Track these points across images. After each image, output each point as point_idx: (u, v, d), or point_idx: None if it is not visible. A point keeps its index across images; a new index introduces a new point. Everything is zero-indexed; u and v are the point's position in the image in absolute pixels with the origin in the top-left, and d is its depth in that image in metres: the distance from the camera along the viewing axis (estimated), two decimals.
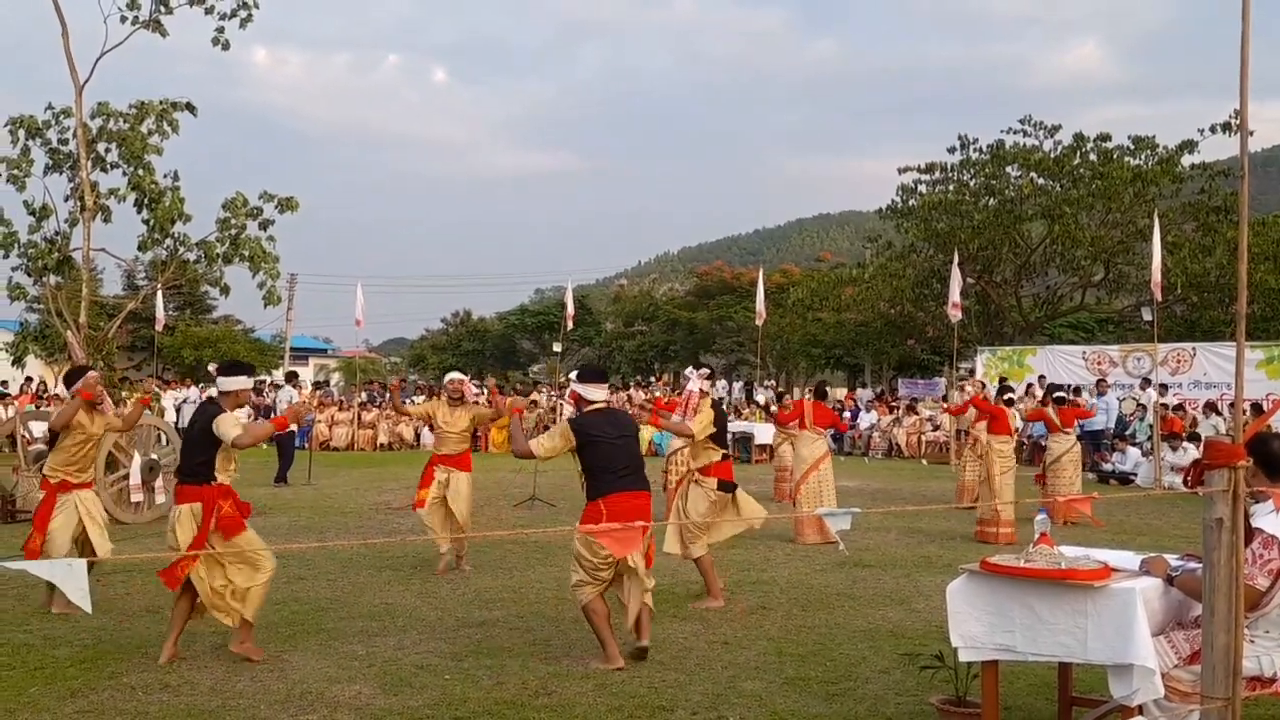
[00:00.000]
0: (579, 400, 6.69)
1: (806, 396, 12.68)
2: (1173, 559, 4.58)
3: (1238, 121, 24.08)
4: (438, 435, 9.95)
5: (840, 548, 8.45)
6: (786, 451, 14.15)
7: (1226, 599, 2.77)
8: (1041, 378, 23.86)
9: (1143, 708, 4.06)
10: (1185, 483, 3.15)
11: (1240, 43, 2.99)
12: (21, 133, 13.47)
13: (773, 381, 39.93)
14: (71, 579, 2.47)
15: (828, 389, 13.55)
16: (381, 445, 26.16)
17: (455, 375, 10.53)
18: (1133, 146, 31.26)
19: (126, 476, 12.58)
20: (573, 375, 7.16)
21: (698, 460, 8.26)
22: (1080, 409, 15.80)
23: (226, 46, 13.79)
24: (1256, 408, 17.07)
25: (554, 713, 5.30)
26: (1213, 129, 29.78)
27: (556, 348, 28.40)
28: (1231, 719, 2.78)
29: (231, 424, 6.34)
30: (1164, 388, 21.12)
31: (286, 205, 13.97)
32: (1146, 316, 25.84)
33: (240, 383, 6.80)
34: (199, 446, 6.45)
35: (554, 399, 27.84)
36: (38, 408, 21.23)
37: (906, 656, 6.20)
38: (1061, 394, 15.16)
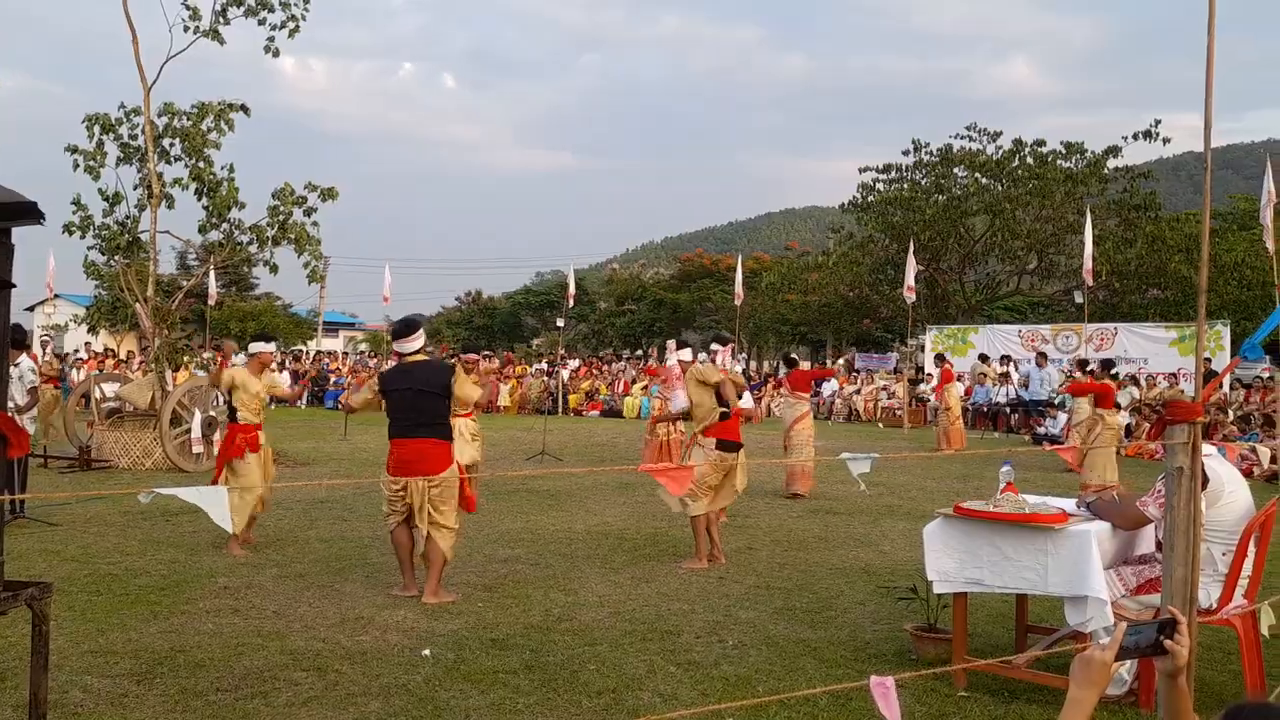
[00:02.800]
0: (397, 356, 6.40)
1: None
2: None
3: (1157, 130, 24.03)
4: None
5: (862, 488, 7.95)
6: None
7: (1184, 537, 2.78)
8: (1004, 358, 23.89)
9: (1094, 634, 4.09)
10: (1147, 435, 3.16)
11: (1206, 58, 2.98)
12: (97, 129, 13.28)
13: (744, 354, 39.87)
14: (215, 503, 2.46)
15: (794, 358, 13.50)
16: None
17: (473, 356, 10.86)
18: (1065, 151, 31.30)
19: (189, 431, 12.52)
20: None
21: (699, 423, 7.37)
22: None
23: (277, 54, 13.64)
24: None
25: (576, 635, 5.31)
26: (1135, 136, 29.87)
27: (559, 323, 28.33)
28: (1190, 642, 2.80)
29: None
30: (1085, 363, 21.20)
31: (328, 195, 13.83)
32: (1078, 300, 25.91)
33: (262, 347, 8.04)
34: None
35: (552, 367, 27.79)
36: (101, 371, 21.12)
37: (881, 589, 6.25)
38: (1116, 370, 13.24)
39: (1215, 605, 4.09)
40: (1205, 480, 3.87)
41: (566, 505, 9.92)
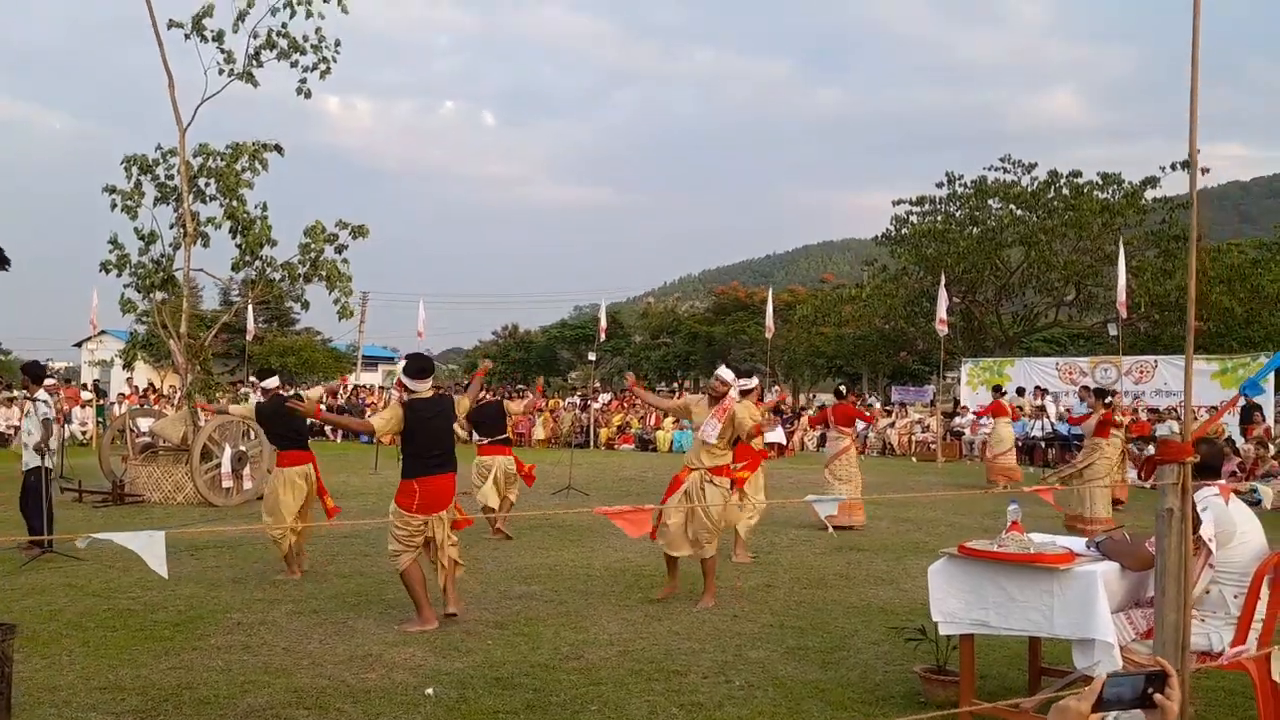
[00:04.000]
0: (402, 389, 6.48)
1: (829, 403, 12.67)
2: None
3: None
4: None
5: (829, 530, 7.92)
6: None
7: (1176, 581, 2.70)
8: (1038, 389, 23.54)
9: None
10: (1139, 476, 3.09)
11: (1190, 94, 2.94)
12: (134, 169, 13.63)
13: (779, 387, 39.70)
14: (151, 550, 2.46)
15: (843, 390, 13.23)
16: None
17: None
18: (1101, 182, 30.99)
19: (219, 465, 12.67)
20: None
21: (712, 460, 7.12)
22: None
23: (309, 95, 13.92)
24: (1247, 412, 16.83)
25: (581, 675, 5.26)
26: (1173, 166, 29.49)
27: (591, 357, 28.42)
28: (1183, 689, 2.71)
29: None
30: (1104, 393, 20.78)
31: (359, 232, 14.03)
32: (1112, 332, 25.52)
33: (275, 381, 8.77)
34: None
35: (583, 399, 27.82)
36: (141, 407, 21.48)
37: (894, 630, 6.12)
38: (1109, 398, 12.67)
39: (1227, 649, 3.96)
40: (1209, 520, 3.77)
41: (587, 540, 9.87)
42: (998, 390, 18.40)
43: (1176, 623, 2.66)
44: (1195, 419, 18.48)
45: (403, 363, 6.72)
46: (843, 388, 13.00)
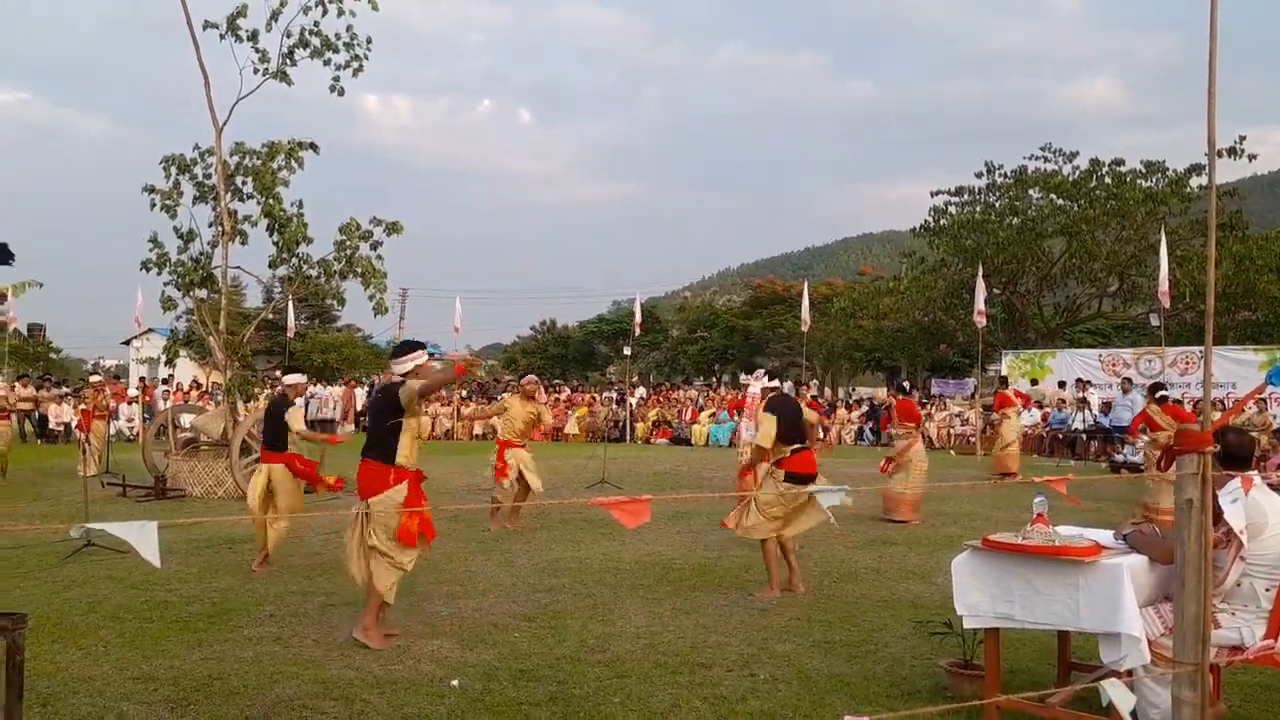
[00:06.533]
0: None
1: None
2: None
3: (1241, 146, 23.24)
4: (508, 423, 10.48)
5: (831, 522, 7.79)
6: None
7: (1196, 573, 2.64)
8: (1079, 381, 23.19)
9: (1132, 672, 3.91)
10: (1159, 466, 3.02)
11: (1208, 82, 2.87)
12: (173, 169, 13.85)
13: (815, 380, 39.43)
14: (144, 540, 2.49)
15: (905, 385, 13.11)
16: (476, 435, 26.38)
17: (531, 377, 11.24)
18: (1144, 170, 30.42)
19: (258, 459, 12.84)
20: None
21: (774, 454, 7.28)
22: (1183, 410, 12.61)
23: (342, 93, 14.05)
24: None
25: (606, 667, 5.27)
26: (1219, 153, 28.83)
27: (627, 351, 28.47)
28: (1201, 683, 2.65)
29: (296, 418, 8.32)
30: (1158, 388, 20.39)
31: (393, 229, 14.15)
32: (1154, 322, 25.07)
33: (297, 378, 8.88)
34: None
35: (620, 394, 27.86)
36: (185, 403, 21.86)
37: (921, 624, 6.07)
38: (1165, 393, 11.95)
39: (1258, 643, 3.87)
40: (1239, 511, 3.68)
41: (619, 534, 9.87)
42: (1003, 382, 18.16)
43: (1197, 614, 2.61)
44: (1217, 408, 18.11)
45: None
46: (905, 384, 13.02)
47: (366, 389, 29.90)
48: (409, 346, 6.11)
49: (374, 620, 5.77)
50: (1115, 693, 2.66)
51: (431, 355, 6.34)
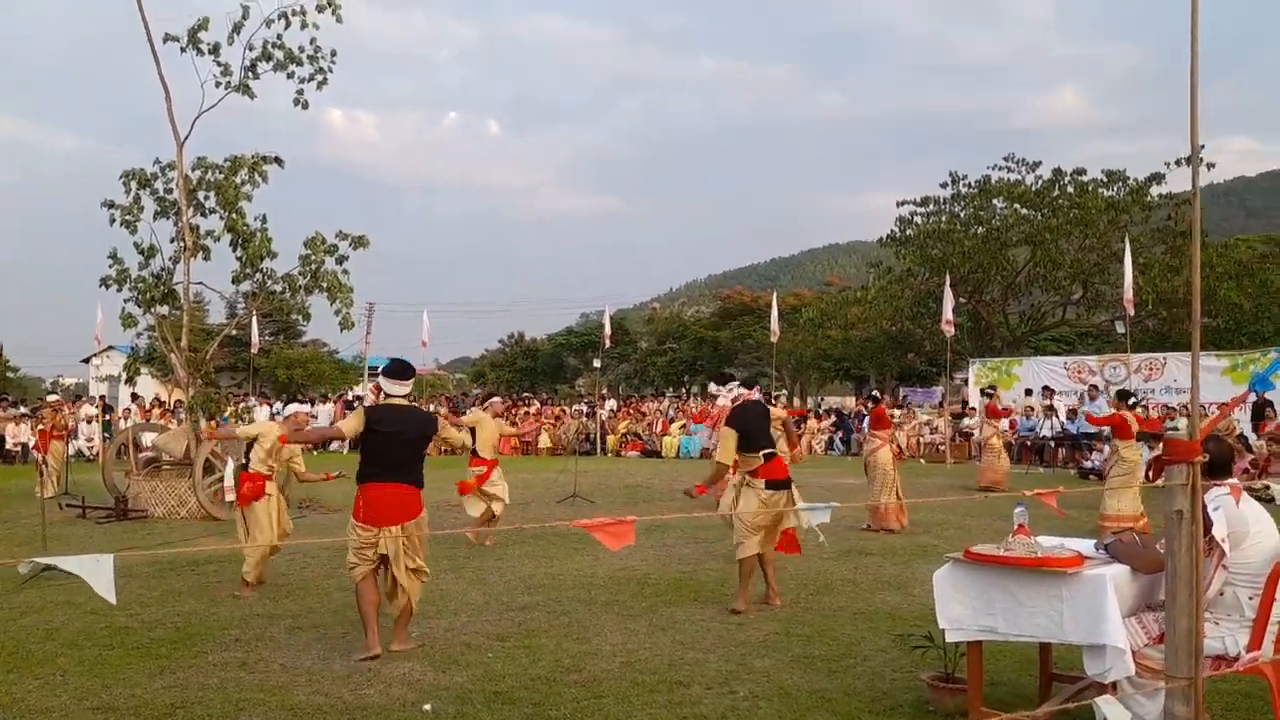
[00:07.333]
0: (378, 391, 6.36)
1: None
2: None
3: (1201, 155, 23.65)
4: (480, 440, 10.49)
5: (819, 539, 7.75)
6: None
7: (1187, 586, 2.59)
8: (1045, 388, 23.32)
9: (1116, 684, 3.87)
10: (1147, 476, 2.99)
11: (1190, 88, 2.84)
12: (133, 184, 13.57)
13: (784, 391, 39.57)
14: (99, 574, 2.35)
15: (877, 395, 13.30)
16: (445, 451, 25.95)
17: (497, 399, 11.66)
18: (1106, 179, 30.84)
19: (222, 480, 12.59)
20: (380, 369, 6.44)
21: (745, 465, 7.23)
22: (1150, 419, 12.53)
23: (306, 106, 13.84)
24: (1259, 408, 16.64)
25: (582, 688, 5.16)
26: (1178, 162, 29.37)
27: (596, 364, 28.37)
28: (1194, 697, 2.60)
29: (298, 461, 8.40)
30: (1126, 394, 20.59)
31: (359, 243, 13.97)
32: (1119, 329, 25.36)
33: (295, 409, 8.99)
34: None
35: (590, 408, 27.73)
36: (146, 422, 21.46)
37: (901, 637, 6.01)
38: (1134, 399, 11.72)
39: (1243, 653, 3.84)
40: (1222, 520, 3.66)
41: (592, 548, 9.75)
42: (987, 392, 17.75)
43: (1189, 629, 2.56)
44: (1203, 416, 18.36)
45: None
46: (877, 393, 13.32)
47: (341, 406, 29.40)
48: (407, 370, 6.30)
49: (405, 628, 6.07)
50: (1110, 709, 2.60)
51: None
